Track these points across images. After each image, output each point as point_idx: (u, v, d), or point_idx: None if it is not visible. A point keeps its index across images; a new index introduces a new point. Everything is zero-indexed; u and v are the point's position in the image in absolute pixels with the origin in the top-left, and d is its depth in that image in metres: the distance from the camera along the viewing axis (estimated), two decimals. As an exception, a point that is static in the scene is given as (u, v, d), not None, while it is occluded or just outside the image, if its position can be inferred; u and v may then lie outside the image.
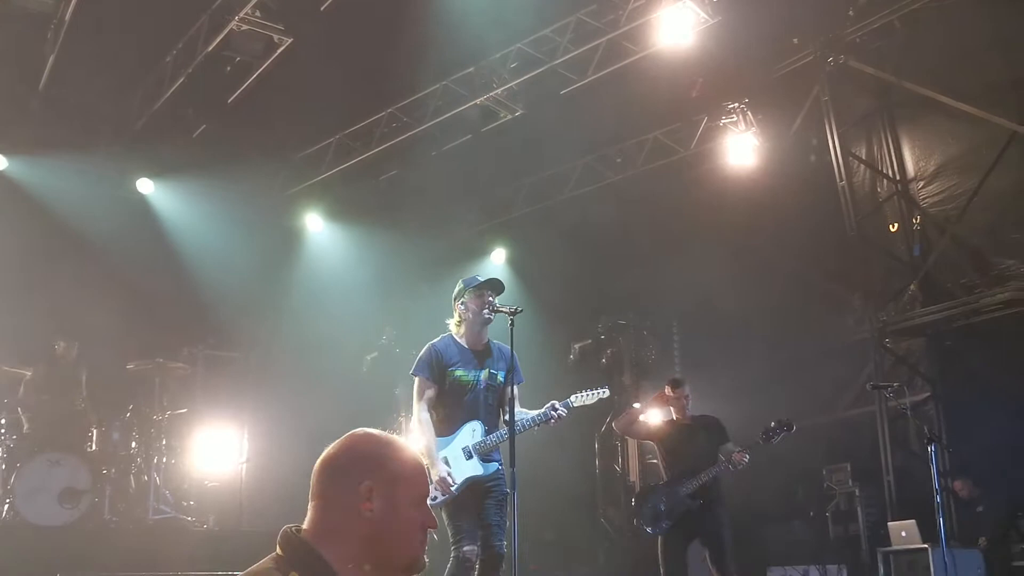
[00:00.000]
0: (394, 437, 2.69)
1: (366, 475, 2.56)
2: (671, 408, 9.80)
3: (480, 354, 7.53)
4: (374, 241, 14.81)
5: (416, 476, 2.62)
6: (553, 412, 7.40)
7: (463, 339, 7.54)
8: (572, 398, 7.60)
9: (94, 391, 12.11)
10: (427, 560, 2.61)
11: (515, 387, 7.46)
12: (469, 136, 13.68)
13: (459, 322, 7.53)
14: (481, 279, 7.53)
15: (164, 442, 11.91)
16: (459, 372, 7.43)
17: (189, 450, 12.70)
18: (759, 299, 14.78)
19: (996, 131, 12.68)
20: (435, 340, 7.54)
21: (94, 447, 11.36)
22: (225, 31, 10.95)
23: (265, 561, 2.50)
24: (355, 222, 15.03)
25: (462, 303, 7.50)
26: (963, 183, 13.46)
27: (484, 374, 7.48)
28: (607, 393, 7.80)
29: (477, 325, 7.48)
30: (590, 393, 7.69)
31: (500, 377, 7.49)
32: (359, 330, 14.65)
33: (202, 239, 13.71)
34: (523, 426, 7.36)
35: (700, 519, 9.29)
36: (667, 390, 9.75)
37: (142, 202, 13.75)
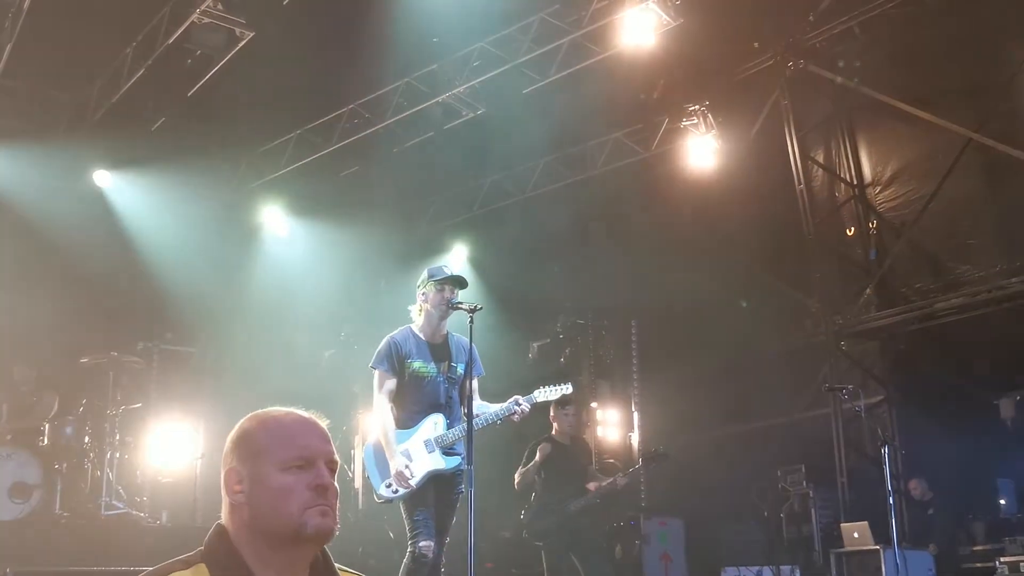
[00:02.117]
0: (270, 409, 2.60)
1: (229, 461, 2.52)
2: (556, 424, 10.11)
3: (439, 347, 7.52)
4: (334, 237, 14.75)
5: (283, 440, 2.49)
6: (516, 407, 7.42)
7: (421, 331, 7.52)
8: (535, 393, 7.63)
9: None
10: (326, 522, 2.45)
11: (475, 380, 7.46)
12: (431, 133, 13.65)
13: (420, 311, 7.51)
14: (447, 272, 7.48)
15: (117, 437, 11.78)
16: (417, 364, 7.41)
17: (143, 445, 12.59)
18: (717, 300, 14.88)
19: (952, 137, 12.82)
20: (394, 333, 7.51)
21: (46, 441, 11.22)
22: (186, 23, 10.86)
23: (185, 555, 2.49)
24: (315, 218, 14.96)
25: (423, 293, 7.48)
26: (919, 188, 13.60)
27: (443, 367, 7.47)
28: (570, 389, 7.88)
29: (435, 318, 7.47)
30: (553, 389, 7.73)
31: (459, 370, 7.48)
32: (317, 326, 14.59)
33: (160, 233, 13.59)
34: (485, 420, 7.39)
35: (582, 536, 9.79)
36: (560, 410, 10.07)
37: (99, 194, 13.60)
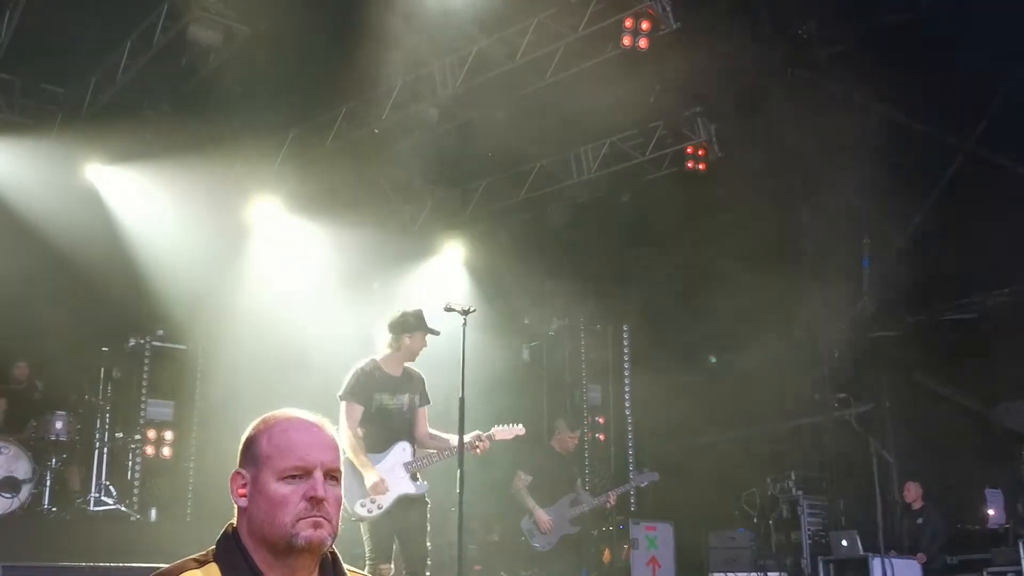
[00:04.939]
0: (278, 413, 2.62)
1: (239, 464, 2.58)
2: (557, 441, 11.09)
3: (400, 380, 7.99)
4: (328, 236, 14.71)
5: (283, 449, 2.52)
6: (478, 442, 7.90)
7: (386, 364, 7.96)
8: (493, 431, 8.15)
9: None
10: (318, 533, 2.46)
11: (424, 409, 8.09)
12: (426, 134, 13.64)
13: (397, 348, 7.94)
14: (428, 323, 7.99)
15: (108, 432, 11.79)
16: (385, 397, 7.88)
17: (133, 441, 12.58)
18: (710, 306, 14.88)
19: (949, 152, 12.84)
20: (361, 364, 7.92)
21: (36, 436, 11.21)
22: (184, 19, 10.85)
23: (198, 553, 2.51)
24: (310, 216, 14.92)
25: (408, 336, 7.91)
26: (914, 199, 13.61)
27: (405, 399, 7.95)
28: (523, 431, 8.35)
29: (408, 358, 7.98)
30: (507, 428, 8.25)
31: (416, 400, 8.01)
32: (308, 325, 14.54)
33: (153, 229, 13.53)
34: (449, 452, 7.90)
35: (574, 544, 10.77)
36: (567, 431, 11.13)
37: (93, 189, 13.55)
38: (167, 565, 2.45)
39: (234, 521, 2.56)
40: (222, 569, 2.44)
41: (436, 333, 7.96)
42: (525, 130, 13.37)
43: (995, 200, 12.71)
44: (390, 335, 7.93)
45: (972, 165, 12.69)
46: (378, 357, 7.94)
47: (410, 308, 8.07)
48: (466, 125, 13.30)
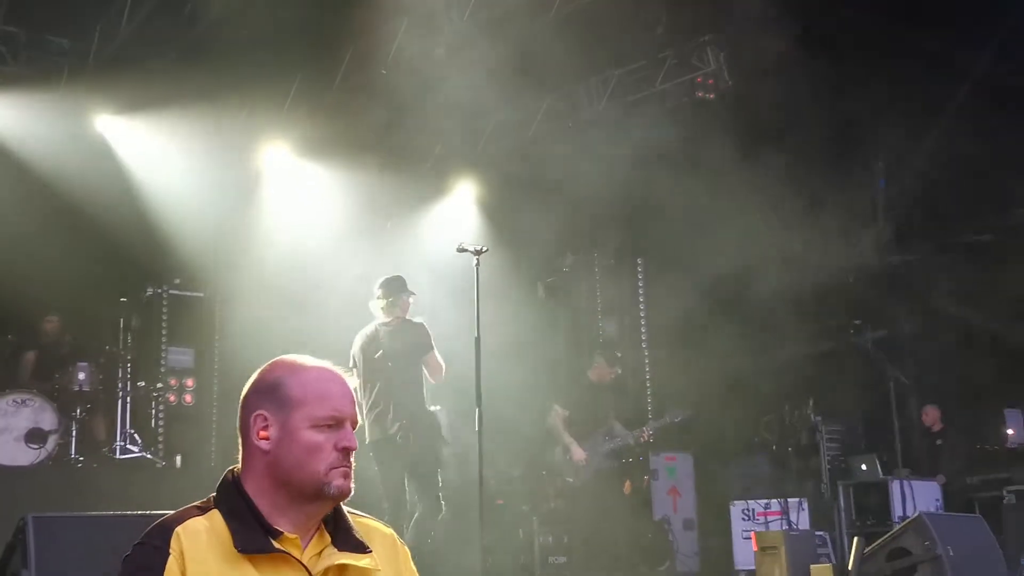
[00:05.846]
0: (303, 360, 2.62)
1: (259, 405, 2.54)
2: (596, 373, 11.38)
3: None
4: (339, 179, 14.70)
5: (318, 397, 2.52)
6: None
7: None
8: None
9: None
10: (347, 484, 2.50)
11: None
12: (434, 74, 13.55)
13: (397, 305, 8.50)
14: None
15: (130, 381, 11.91)
16: None
17: (156, 389, 12.69)
18: (722, 236, 14.84)
19: (958, 72, 12.71)
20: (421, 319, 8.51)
21: (60, 387, 11.33)
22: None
23: (199, 501, 2.53)
24: (320, 160, 14.90)
25: (403, 294, 8.54)
26: (929, 120, 13.50)
27: None
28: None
29: (405, 313, 8.53)
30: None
31: None
32: (325, 267, 14.57)
33: (165, 177, 13.54)
34: None
35: (608, 477, 10.96)
36: (605, 364, 11.41)
37: (102, 140, 13.53)
38: (171, 512, 2.48)
39: (235, 467, 2.56)
40: (225, 516, 2.46)
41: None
42: (533, 65, 13.26)
43: (1009, 120, 12.60)
44: (389, 297, 8.44)
45: (987, 85, 12.55)
46: (387, 317, 8.50)
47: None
48: (472, 62, 13.19)
